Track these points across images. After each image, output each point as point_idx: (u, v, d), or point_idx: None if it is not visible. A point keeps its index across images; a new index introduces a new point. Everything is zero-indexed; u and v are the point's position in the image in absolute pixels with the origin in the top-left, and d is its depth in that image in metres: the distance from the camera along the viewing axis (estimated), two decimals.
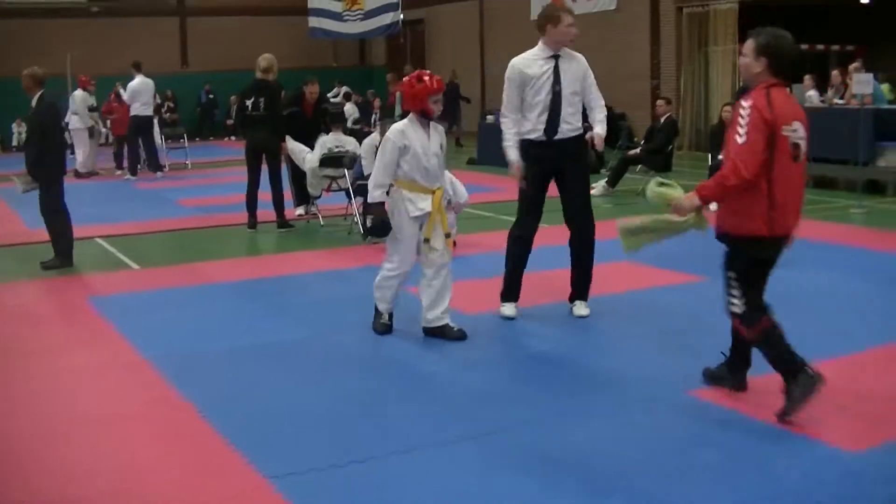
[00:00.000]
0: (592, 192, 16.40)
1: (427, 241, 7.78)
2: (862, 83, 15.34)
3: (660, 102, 17.70)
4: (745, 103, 5.96)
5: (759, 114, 5.86)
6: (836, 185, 17.70)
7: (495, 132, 22.39)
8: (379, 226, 7.74)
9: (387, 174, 7.68)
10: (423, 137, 7.73)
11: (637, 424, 5.98)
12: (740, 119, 5.92)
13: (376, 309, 8.16)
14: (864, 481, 5.09)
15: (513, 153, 8.31)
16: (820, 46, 26.19)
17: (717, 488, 5.01)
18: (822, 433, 5.69)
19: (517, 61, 8.39)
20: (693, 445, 5.60)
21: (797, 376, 5.89)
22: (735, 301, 6.24)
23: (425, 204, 7.72)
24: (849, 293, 9.39)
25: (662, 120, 17.09)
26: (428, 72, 7.91)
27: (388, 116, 21.30)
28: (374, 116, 25.64)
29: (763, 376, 6.79)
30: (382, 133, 12.45)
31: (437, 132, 7.89)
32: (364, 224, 7.37)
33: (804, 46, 25.33)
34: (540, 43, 8.44)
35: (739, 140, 5.87)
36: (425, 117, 7.76)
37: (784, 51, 6.11)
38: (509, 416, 6.10)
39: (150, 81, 22.17)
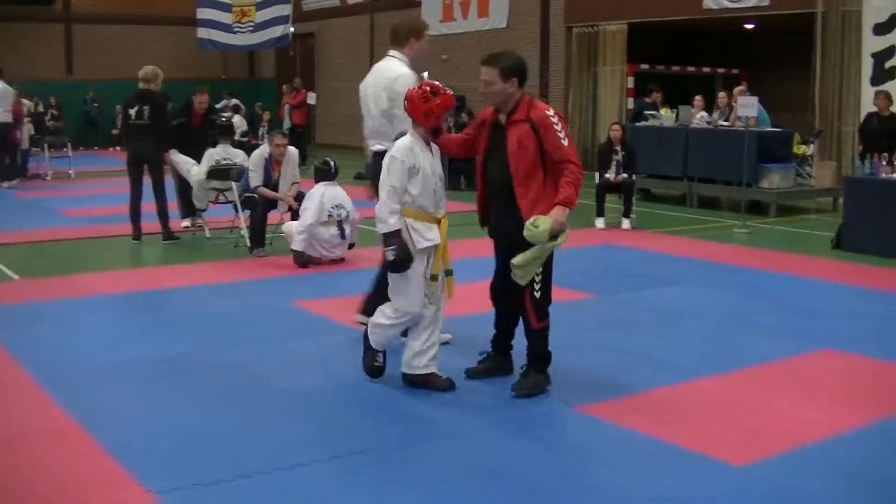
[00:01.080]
0: None
1: (434, 277, 6.81)
2: (746, 106, 15.59)
3: None
4: (548, 112, 6.65)
5: (560, 117, 6.70)
6: (720, 205, 18.00)
7: None
8: (403, 258, 6.63)
9: (397, 197, 6.62)
10: (430, 157, 6.79)
11: (530, 441, 5.98)
12: (555, 126, 6.58)
13: (368, 345, 7.07)
14: (749, 496, 5.15)
15: None
16: (706, 69, 26.61)
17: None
18: (707, 448, 5.75)
19: (411, 72, 7.93)
20: (583, 462, 5.62)
21: (545, 372, 6.93)
22: (538, 288, 6.83)
23: (433, 234, 6.73)
24: (731, 311, 9.52)
25: None
26: (438, 83, 6.85)
27: (276, 129, 21.19)
28: (262, 129, 25.47)
29: (648, 392, 6.88)
30: (272, 145, 12.40)
31: (437, 152, 6.94)
32: (388, 258, 6.65)
33: (691, 69, 25.79)
34: (399, 54, 8.06)
35: (564, 142, 6.59)
36: (434, 136, 6.83)
37: (524, 66, 6.83)
38: (397, 434, 6.07)
39: (9, 88, 21.67)
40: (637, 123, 19.57)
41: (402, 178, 6.62)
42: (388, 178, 6.65)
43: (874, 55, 19.15)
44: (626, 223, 15.02)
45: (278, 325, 8.83)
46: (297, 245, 11.56)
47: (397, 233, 6.62)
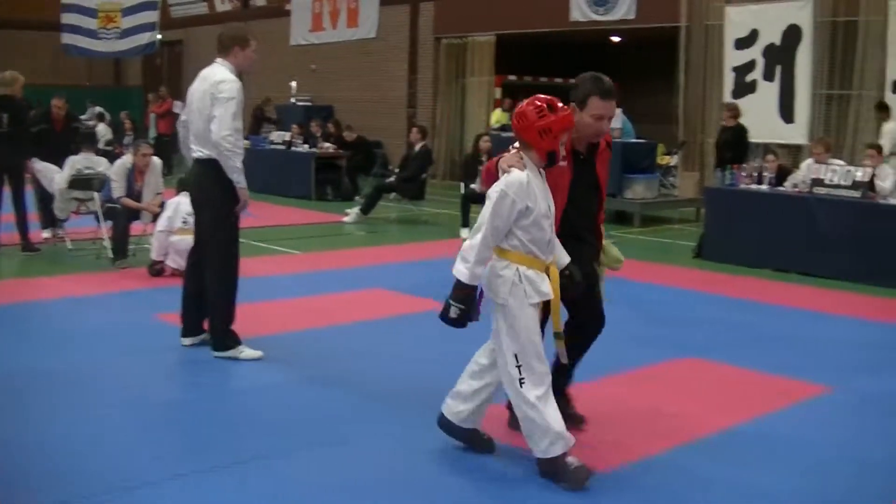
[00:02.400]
0: (346, 219, 16.58)
1: (557, 334, 5.68)
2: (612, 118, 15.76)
3: (414, 131, 17.88)
4: None
5: None
6: None
7: (251, 154, 22.20)
8: (462, 321, 5.53)
9: (495, 242, 5.40)
10: (544, 191, 5.52)
11: (392, 452, 5.96)
12: None
13: (552, 461, 5.50)
14: (614, 500, 5.23)
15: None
16: (574, 80, 26.84)
17: None
18: (577, 454, 5.78)
19: (236, 79, 7.81)
20: (444, 472, 5.63)
21: None
22: None
23: (546, 287, 5.49)
24: None
25: (417, 148, 17.25)
26: (554, 98, 5.53)
27: (141, 138, 20.92)
28: (126, 138, 25.11)
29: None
30: (136, 155, 12.22)
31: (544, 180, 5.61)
32: (448, 312, 5.44)
33: (558, 80, 26.04)
34: (224, 62, 7.91)
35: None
36: (550, 162, 5.51)
37: None
38: (265, 445, 5.99)
39: None
40: (503, 134, 19.70)
41: (510, 219, 5.34)
42: (492, 217, 5.32)
43: (735, 69, 19.53)
44: None
45: (141, 338, 8.65)
46: (151, 254, 11.47)
47: (472, 289, 5.41)
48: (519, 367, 5.46)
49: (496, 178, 5.44)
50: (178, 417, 6.57)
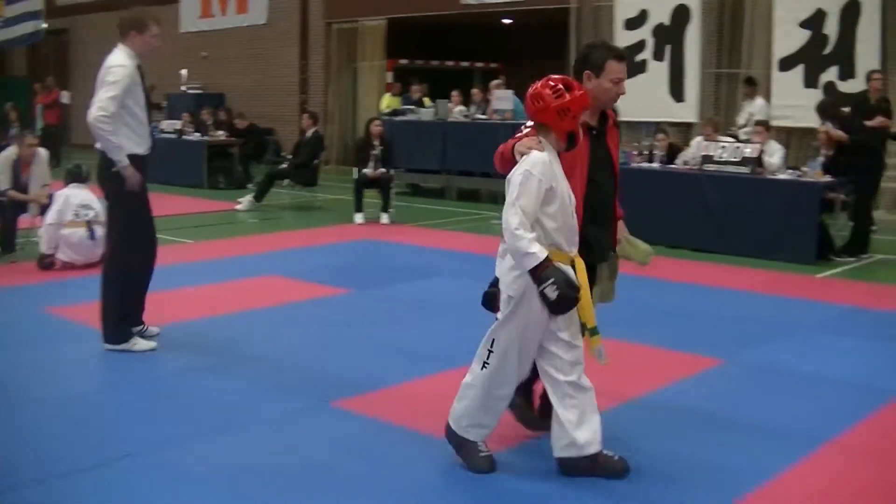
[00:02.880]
0: (239, 206, 16.42)
1: (591, 330, 5.29)
2: (502, 99, 15.80)
3: (305, 117, 17.76)
4: None
5: None
6: (479, 197, 18.21)
7: None
8: (570, 291, 4.98)
9: (529, 223, 5.00)
10: (564, 176, 5.23)
11: (285, 438, 5.89)
12: None
13: (463, 440, 5.44)
14: (503, 480, 5.22)
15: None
16: (465, 63, 26.91)
17: (367, 496, 5.01)
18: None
19: (128, 63, 7.63)
20: (339, 455, 5.56)
21: None
22: None
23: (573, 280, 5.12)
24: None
25: (309, 134, 17.13)
26: (566, 76, 5.29)
27: (28, 129, 20.50)
28: (12, 129, 24.58)
29: (403, 384, 6.86)
30: (21, 146, 11.94)
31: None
32: (547, 297, 4.67)
33: (450, 63, 26.05)
34: (124, 46, 7.74)
35: None
36: (570, 145, 5.23)
37: None
38: (158, 435, 5.88)
39: None
40: (395, 118, 19.62)
41: (538, 200, 5.03)
42: (519, 199, 5.00)
43: (626, 49, 19.63)
44: (384, 218, 15.04)
45: (31, 332, 8.46)
46: (40, 247, 11.23)
47: (548, 261, 4.96)
48: (491, 352, 5.33)
49: (511, 162, 5.21)
50: (76, 411, 6.39)
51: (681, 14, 18.76)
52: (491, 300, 5.54)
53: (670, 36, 18.96)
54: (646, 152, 13.74)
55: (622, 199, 5.97)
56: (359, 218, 15.01)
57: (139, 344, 7.78)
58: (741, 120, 16.28)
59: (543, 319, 5.14)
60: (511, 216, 4.98)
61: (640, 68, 19.29)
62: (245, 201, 16.61)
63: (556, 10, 20.80)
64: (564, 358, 5.21)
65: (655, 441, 5.82)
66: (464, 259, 11.92)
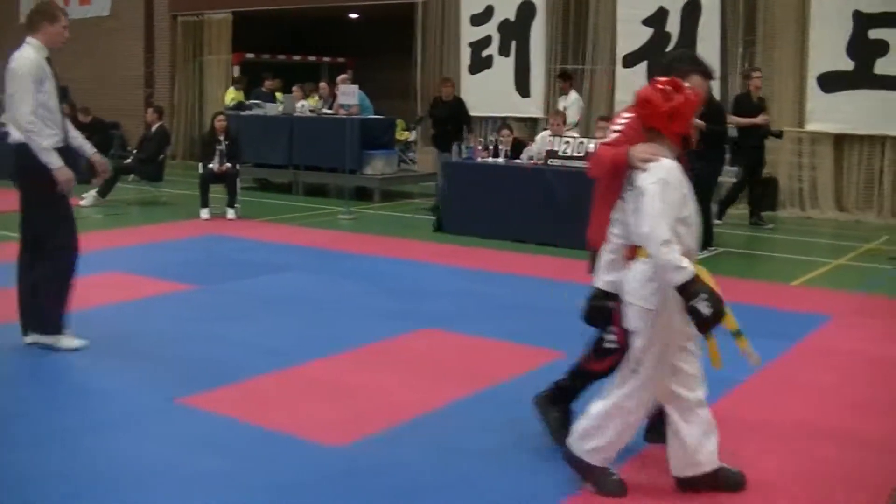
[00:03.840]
0: (83, 202, 16.12)
1: (736, 332, 4.86)
2: (347, 94, 15.82)
3: (150, 111, 17.55)
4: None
5: None
6: (327, 192, 18.19)
7: None
8: (720, 305, 4.72)
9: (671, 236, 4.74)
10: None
11: (129, 438, 5.79)
12: None
13: (591, 465, 5.11)
14: (355, 473, 5.23)
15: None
16: (312, 58, 26.83)
17: (212, 493, 4.97)
18: (308, 432, 5.79)
19: (34, 55, 7.38)
20: (186, 452, 5.51)
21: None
22: (610, 337, 5.36)
23: None
24: (336, 296, 9.66)
25: (154, 129, 16.93)
26: (676, 79, 5.05)
27: None
28: None
29: (250, 379, 6.84)
30: None
31: None
32: (700, 313, 4.29)
33: (297, 58, 25.93)
34: (34, 40, 7.49)
35: None
36: (685, 147, 5.09)
37: None
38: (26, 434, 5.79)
39: None
40: (242, 113, 19.48)
41: (678, 210, 4.85)
42: (665, 209, 4.77)
43: (471, 44, 19.84)
44: (230, 213, 14.92)
45: None
46: None
47: (698, 278, 4.72)
48: (635, 372, 4.96)
49: (620, 170, 5.02)
50: None
51: (526, 10, 19.02)
52: (604, 315, 5.21)
53: (516, 32, 19.21)
54: (490, 147, 13.86)
55: None
56: (205, 213, 14.87)
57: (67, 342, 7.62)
58: (573, 114, 16.33)
59: (680, 334, 4.94)
60: (657, 227, 4.71)
61: (485, 63, 19.54)
62: (89, 197, 16.30)
63: (402, 6, 20.94)
64: (691, 373, 5.01)
65: (497, 435, 5.89)
66: (311, 254, 11.92)
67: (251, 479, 5.17)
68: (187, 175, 20.08)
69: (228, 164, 15.09)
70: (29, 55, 7.39)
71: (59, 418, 6.12)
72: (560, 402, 5.72)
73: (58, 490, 5.00)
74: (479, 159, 13.75)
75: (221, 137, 15.19)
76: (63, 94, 23.10)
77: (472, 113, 17.50)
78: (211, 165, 15.13)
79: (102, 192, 16.38)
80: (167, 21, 25.81)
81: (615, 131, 5.27)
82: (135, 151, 17.70)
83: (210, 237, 13.27)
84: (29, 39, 7.54)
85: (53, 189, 7.37)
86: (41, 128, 7.27)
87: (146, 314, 8.88)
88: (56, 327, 7.60)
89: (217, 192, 15.23)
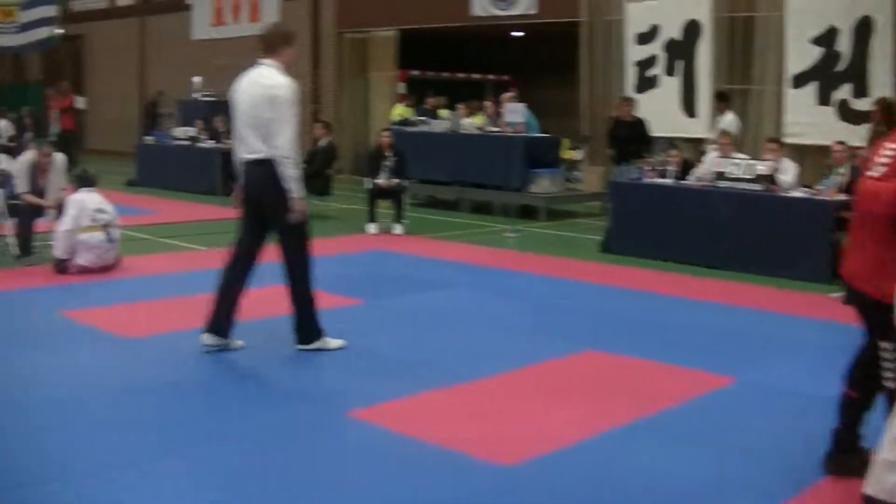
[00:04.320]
0: None
1: None
2: (514, 112, 15.85)
3: (318, 126, 17.78)
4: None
5: None
6: (491, 209, 18.21)
7: (154, 150, 21.95)
8: None
9: None
10: None
11: (298, 445, 5.92)
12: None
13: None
14: (521, 493, 5.22)
15: None
16: (477, 75, 26.96)
17: None
18: (472, 450, 5.80)
19: (288, 80, 7.77)
20: (351, 466, 5.58)
21: None
22: (890, 375, 5.05)
23: None
24: (498, 314, 9.66)
25: (322, 144, 17.17)
26: None
27: (43, 135, 20.59)
28: (27, 134, 24.60)
29: (415, 396, 6.90)
30: (39, 153, 11.98)
31: None
32: None
33: (461, 75, 26.08)
34: (275, 62, 7.86)
35: None
36: None
37: None
38: (167, 442, 5.91)
39: None
40: (408, 129, 19.65)
41: None
42: None
43: (637, 64, 19.69)
44: (397, 228, 15.07)
45: (45, 335, 8.56)
46: (55, 251, 11.30)
47: None
48: None
49: None
50: (83, 415, 6.42)
51: (692, 29, 18.79)
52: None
53: (682, 51, 18.99)
54: (659, 168, 13.75)
55: None
56: (371, 228, 15.05)
57: (332, 342, 8.09)
58: (712, 135, 16.07)
59: None
60: None
61: (651, 83, 19.36)
62: None
63: (566, 24, 20.87)
64: None
65: (664, 461, 5.83)
66: (476, 272, 11.95)
67: (417, 494, 5.20)
68: (353, 190, 20.34)
69: (396, 180, 15.23)
70: (285, 80, 7.69)
71: (234, 424, 6.27)
72: (850, 448, 5.46)
73: (222, 492, 5.12)
74: (647, 180, 13.65)
75: (388, 153, 15.34)
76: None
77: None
78: (378, 181, 15.29)
79: None
80: (334, 38, 26.17)
81: (882, 164, 4.98)
82: (303, 166, 17.95)
83: (376, 252, 13.41)
84: (268, 62, 7.85)
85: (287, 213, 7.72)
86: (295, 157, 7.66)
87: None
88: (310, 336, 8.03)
89: (384, 207, 15.40)
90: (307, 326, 8.07)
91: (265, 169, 7.69)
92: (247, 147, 7.80)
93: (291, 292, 8.03)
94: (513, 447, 5.90)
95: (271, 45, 7.88)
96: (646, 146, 16.11)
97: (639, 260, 12.86)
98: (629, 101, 17.06)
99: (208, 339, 7.98)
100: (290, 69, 7.92)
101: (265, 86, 7.67)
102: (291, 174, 7.68)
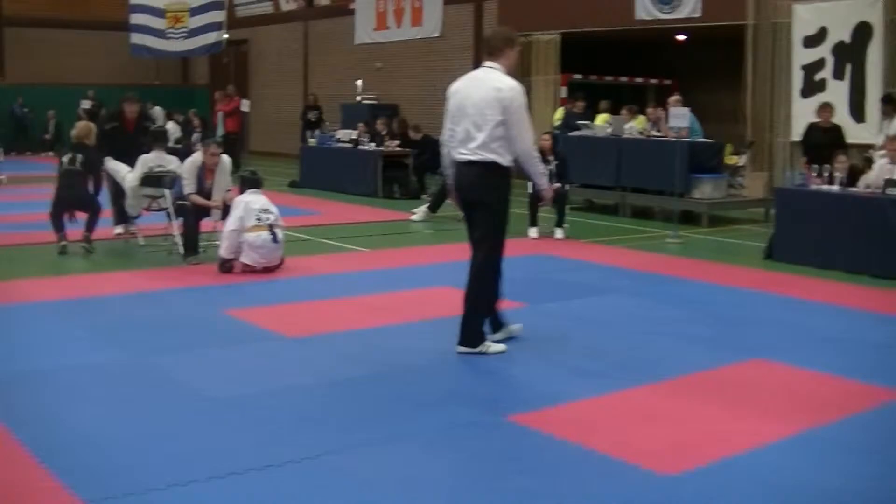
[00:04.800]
0: (413, 216, 16.64)
1: None
2: (678, 116, 15.72)
3: None
4: None
5: None
6: (653, 214, 18.11)
7: (318, 154, 22.32)
8: None
9: None
10: None
11: (457, 448, 5.97)
12: None
13: None
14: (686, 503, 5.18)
15: None
16: (639, 79, 26.79)
17: None
18: (637, 457, 5.78)
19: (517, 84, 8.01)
20: (511, 470, 5.60)
21: None
22: None
23: None
24: (660, 321, 9.59)
25: None
26: None
27: (209, 137, 21.06)
28: (195, 136, 25.22)
29: (576, 402, 6.91)
30: (206, 154, 12.29)
31: None
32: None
33: (623, 79, 25.94)
34: (497, 64, 8.06)
35: None
36: None
37: None
38: (333, 440, 6.03)
39: None
40: (570, 133, 19.63)
41: None
42: None
43: (804, 67, 19.38)
44: (558, 233, 15.08)
45: (211, 333, 8.80)
46: (220, 251, 11.60)
47: None
48: None
49: None
50: (246, 413, 6.61)
51: (862, 32, 18.43)
52: None
53: (851, 54, 18.63)
54: (826, 174, 13.49)
55: None
56: (533, 232, 15.08)
57: (493, 347, 8.17)
58: (879, 140, 15.49)
59: None
60: None
61: (818, 87, 19.04)
62: (420, 212, 16.83)
63: (731, 27, 20.61)
64: None
65: (830, 474, 5.74)
66: (636, 277, 11.90)
67: (571, 500, 5.20)
68: (514, 193, 20.39)
69: (557, 184, 15.23)
70: (514, 83, 7.90)
71: (389, 425, 6.37)
72: None
73: (374, 496, 5.19)
74: (814, 186, 13.40)
75: (550, 157, 15.33)
76: (394, 111, 24.10)
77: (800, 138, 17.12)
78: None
79: (433, 208, 16.85)
80: None
81: None
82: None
83: (538, 256, 13.43)
84: (493, 65, 8.04)
85: (505, 208, 8.20)
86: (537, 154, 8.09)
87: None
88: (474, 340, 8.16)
89: (544, 211, 15.41)
90: (474, 329, 8.14)
91: (479, 170, 7.94)
92: (466, 148, 8.01)
93: (470, 292, 8.15)
94: (678, 455, 5.88)
95: (497, 47, 8.09)
96: (841, 152, 15.75)
97: (803, 268, 12.64)
98: (828, 107, 16.60)
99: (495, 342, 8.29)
100: (512, 71, 8.10)
101: (495, 89, 7.84)
102: (540, 170, 8.35)
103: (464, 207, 8.27)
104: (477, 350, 8.08)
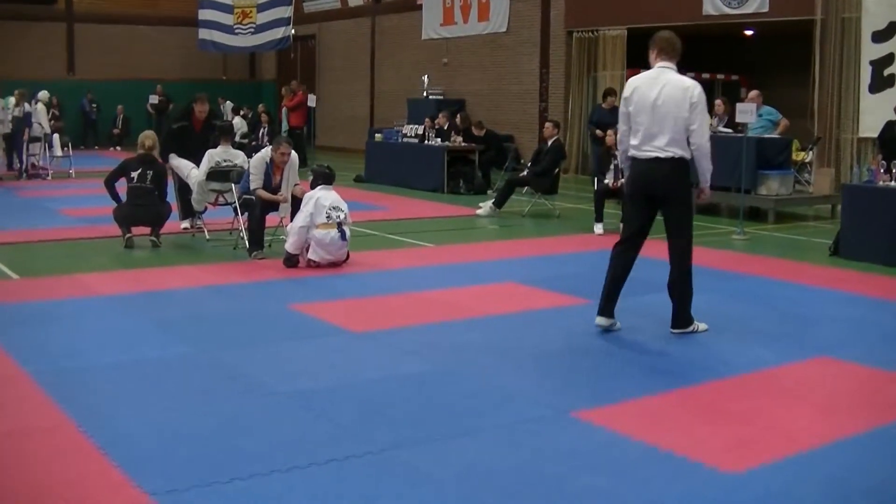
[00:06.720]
0: (479, 212, 16.67)
1: None
2: (744, 112, 15.62)
3: (547, 125, 17.77)
4: None
5: None
6: (718, 211, 18.01)
7: (384, 149, 22.47)
8: None
9: None
10: None
11: (521, 445, 5.98)
12: None
13: None
14: (745, 502, 5.16)
15: None
16: (706, 75, 26.62)
17: None
18: (701, 455, 5.77)
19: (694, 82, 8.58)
20: (572, 466, 5.62)
21: None
22: None
23: None
24: (727, 317, 9.53)
25: (550, 143, 17.18)
26: None
27: (276, 132, 21.22)
28: (262, 131, 25.42)
29: (641, 398, 6.91)
30: (276, 152, 12.36)
31: None
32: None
33: (690, 74, 25.73)
34: (674, 65, 8.79)
35: None
36: None
37: None
38: (396, 436, 6.07)
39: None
40: None
41: None
42: None
43: (873, 62, 19.20)
44: None
45: (276, 328, 8.87)
46: (287, 246, 11.67)
47: None
48: None
49: None
50: (312, 407, 6.66)
51: None
52: None
53: None
54: (894, 171, 13.35)
55: None
56: (598, 228, 15.04)
57: (700, 326, 8.86)
58: None
59: None
60: None
61: (888, 83, 18.87)
62: (485, 207, 16.86)
63: (800, 22, 20.48)
64: None
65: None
66: (702, 274, 11.73)
67: (636, 496, 5.21)
68: (580, 189, 20.40)
69: (623, 180, 15.16)
70: (696, 83, 8.50)
71: (454, 421, 6.39)
72: None
73: (440, 490, 5.21)
74: (882, 183, 13.27)
75: (617, 153, 15.26)
76: (460, 106, 24.21)
77: (871, 134, 16.93)
78: (606, 180, 15.26)
79: (498, 203, 16.87)
80: (562, 37, 26.19)
81: None
82: (530, 164, 18.07)
83: (604, 252, 13.31)
84: (668, 65, 8.76)
85: (691, 201, 8.88)
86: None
87: (540, 326, 9.13)
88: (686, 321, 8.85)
89: (610, 207, 15.39)
90: (685, 313, 8.78)
91: (672, 166, 8.43)
92: (650, 145, 8.48)
93: (678, 277, 8.79)
94: (742, 453, 5.86)
95: (675, 49, 8.81)
96: None
97: (870, 265, 12.53)
98: None
99: (602, 321, 8.79)
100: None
101: (684, 88, 8.46)
102: (710, 167, 8.71)
103: (645, 202, 8.76)
104: (689, 329, 8.74)
